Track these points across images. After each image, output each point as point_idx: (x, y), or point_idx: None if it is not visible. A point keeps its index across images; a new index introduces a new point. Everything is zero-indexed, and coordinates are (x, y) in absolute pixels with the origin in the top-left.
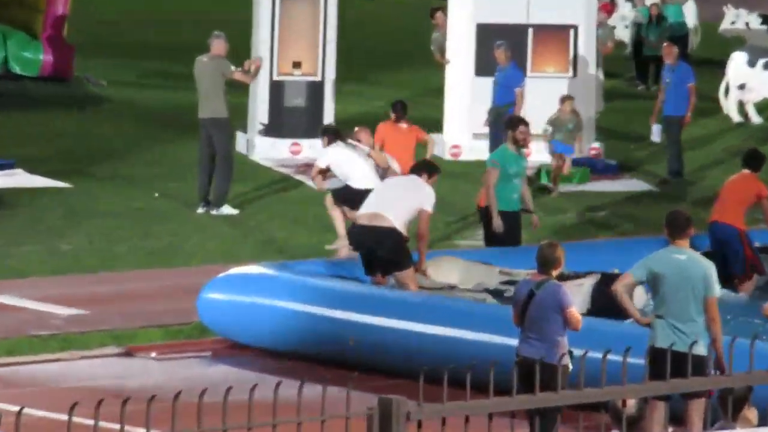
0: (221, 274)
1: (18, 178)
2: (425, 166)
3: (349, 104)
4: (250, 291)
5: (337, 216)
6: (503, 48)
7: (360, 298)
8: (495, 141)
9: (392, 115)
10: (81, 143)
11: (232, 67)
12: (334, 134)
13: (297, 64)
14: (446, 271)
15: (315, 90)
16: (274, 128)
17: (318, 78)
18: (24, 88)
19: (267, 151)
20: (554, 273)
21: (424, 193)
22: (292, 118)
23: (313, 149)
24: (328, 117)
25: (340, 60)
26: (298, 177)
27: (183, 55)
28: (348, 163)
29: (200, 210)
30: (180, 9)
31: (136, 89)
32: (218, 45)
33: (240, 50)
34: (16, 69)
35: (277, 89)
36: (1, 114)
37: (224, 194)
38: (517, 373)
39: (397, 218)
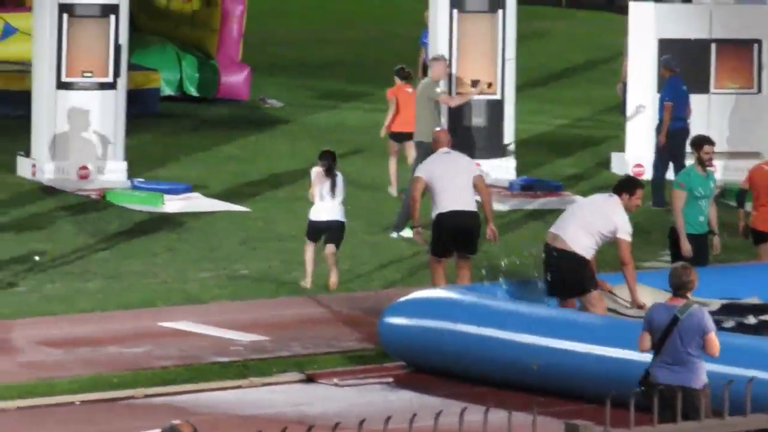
0: (402, 298)
1: (195, 202)
2: (625, 185)
3: (529, 123)
4: (433, 315)
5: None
6: (662, 62)
7: (543, 322)
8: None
9: (396, 80)
10: (257, 165)
11: (438, 89)
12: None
13: (475, 83)
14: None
15: (495, 108)
16: (454, 148)
17: (497, 96)
18: (199, 110)
19: None
20: (689, 296)
21: (615, 219)
22: (472, 138)
23: (494, 169)
24: (508, 136)
25: (519, 77)
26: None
27: (359, 75)
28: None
29: (393, 234)
30: (356, 27)
31: (312, 110)
32: (434, 67)
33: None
34: (192, 90)
35: (456, 108)
36: (176, 136)
37: (405, 217)
38: (659, 400)
39: (573, 240)
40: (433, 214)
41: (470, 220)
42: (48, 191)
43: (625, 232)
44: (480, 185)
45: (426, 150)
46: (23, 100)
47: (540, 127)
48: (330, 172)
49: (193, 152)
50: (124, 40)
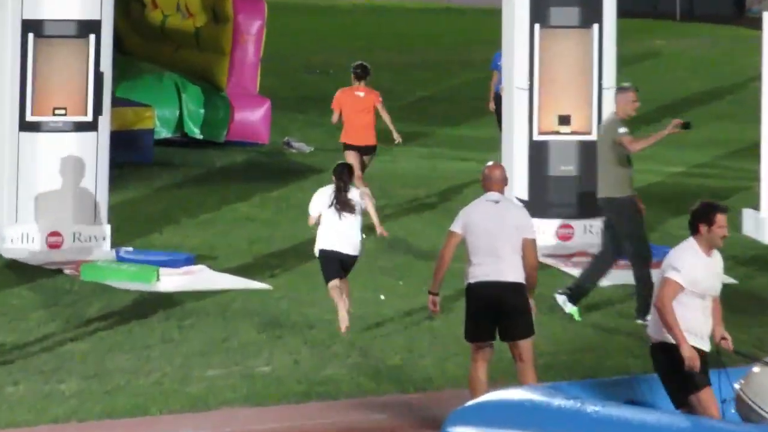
0: (470, 402)
1: (201, 278)
2: (699, 215)
3: (634, 171)
4: (509, 422)
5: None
6: None
7: (648, 429)
8: None
9: (354, 80)
10: (281, 228)
11: (621, 129)
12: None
13: (564, 119)
14: None
15: (589, 152)
16: (536, 204)
17: (592, 136)
18: (205, 157)
19: None
20: None
21: (669, 259)
22: (559, 191)
23: (588, 234)
24: None
25: None
26: (568, 269)
27: (414, 110)
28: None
29: (639, 321)
30: (411, 51)
31: None
32: (618, 101)
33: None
34: (195, 132)
35: (538, 152)
36: (175, 192)
37: (646, 298)
38: None
39: (655, 324)
40: (465, 282)
41: (508, 294)
42: (8, 266)
43: (669, 267)
44: (528, 251)
45: (620, 208)
46: None
47: (648, 177)
48: (342, 192)
49: (197, 212)
50: (107, 67)
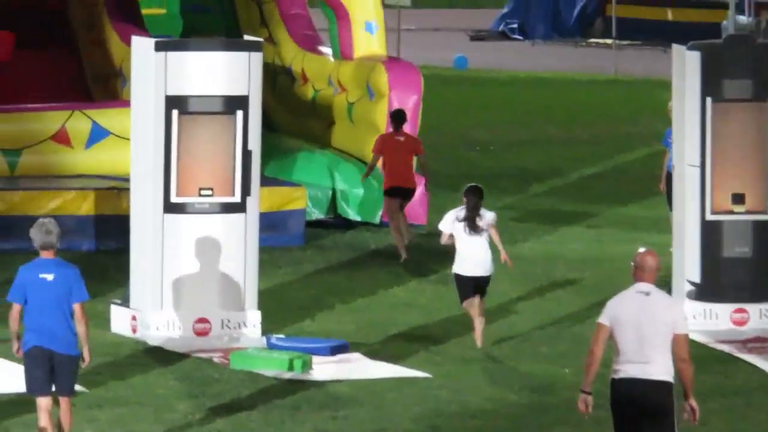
0: None
1: (355, 366)
2: None
3: None
4: None
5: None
6: None
7: None
8: None
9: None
10: (440, 313)
11: None
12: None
13: (738, 198)
14: None
15: (764, 233)
16: (709, 288)
17: (767, 216)
18: (360, 239)
19: (700, 321)
20: None
21: None
22: (733, 274)
23: (764, 318)
24: None
25: None
26: (745, 356)
27: (582, 188)
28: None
29: None
30: (582, 125)
31: (515, 236)
32: None
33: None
34: (348, 212)
35: (711, 233)
36: (329, 275)
37: None
38: None
39: None
40: (610, 377)
41: (655, 394)
42: (153, 353)
43: None
44: (680, 347)
45: None
46: (118, 227)
47: None
48: (471, 214)
49: (350, 297)
50: (255, 144)
